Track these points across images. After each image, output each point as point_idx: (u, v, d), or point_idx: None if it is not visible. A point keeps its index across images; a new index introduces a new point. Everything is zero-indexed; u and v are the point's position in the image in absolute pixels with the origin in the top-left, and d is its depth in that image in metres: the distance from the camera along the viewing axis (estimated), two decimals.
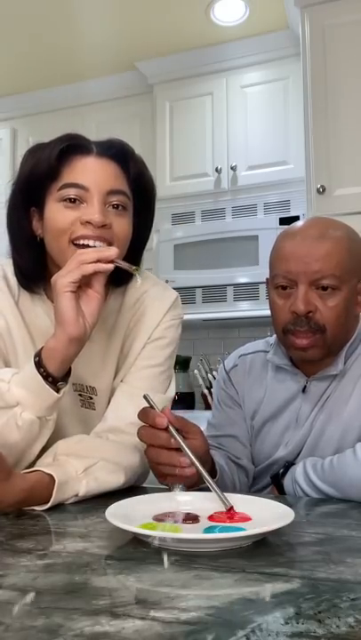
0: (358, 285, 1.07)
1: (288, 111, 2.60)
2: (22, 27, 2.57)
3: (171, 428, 0.83)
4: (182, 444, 0.81)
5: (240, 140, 2.66)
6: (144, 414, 0.85)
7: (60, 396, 0.89)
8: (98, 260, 0.87)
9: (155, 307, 1.09)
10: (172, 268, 2.65)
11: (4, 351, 1.01)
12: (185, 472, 0.82)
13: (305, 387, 1.11)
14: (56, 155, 0.94)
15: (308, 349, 1.04)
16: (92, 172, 0.94)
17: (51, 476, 0.84)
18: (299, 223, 1.11)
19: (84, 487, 0.88)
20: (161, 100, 2.83)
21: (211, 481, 0.77)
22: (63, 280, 0.87)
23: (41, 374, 0.87)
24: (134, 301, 1.08)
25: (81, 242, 0.93)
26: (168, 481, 0.87)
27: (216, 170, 2.67)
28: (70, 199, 0.93)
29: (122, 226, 0.96)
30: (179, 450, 0.82)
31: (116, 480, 0.93)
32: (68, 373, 0.92)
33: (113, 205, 0.95)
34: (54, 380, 0.89)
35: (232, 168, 2.64)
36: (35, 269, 1.01)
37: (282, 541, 0.68)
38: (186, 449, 0.81)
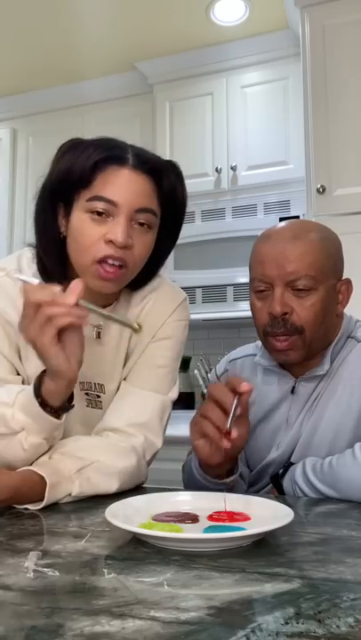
0: (338, 285, 1.08)
1: (288, 111, 2.59)
2: (22, 27, 2.57)
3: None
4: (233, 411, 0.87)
5: (240, 140, 2.66)
6: (218, 393, 0.89)
7: (62, 421, 0.90)
8: (68, 313, 0.81)
9: (161, 307, 1.09)
10: (172, 267, 2.64)
11: (16, 341, 1.02)
12: (222, 441, 0.87)
13: (293, 388, 1.11)
14: (91, 165, 0.93)
15: (288, 352, 1.04)
16: (123, 188, 0.93)
17: (40, 476, 0.85)
18: (274, 226, 1.12)
19: (76, 488, 0.88)
20: (161, 99, 2.83)
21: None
22: (42, 340, 0.81)
23: (46, 411, 0.87)
24: (141, 300, 1.08)
25: (103, 264, 0.94)
26: (198, 439, 0.93)
27: (216, 170, 2.67)
28: (98, 212, 0.93)
29: (143, 245, 0.96)
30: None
31: (108, 484, 0.93)
32: (70, 398, 0.91)
33: (139, 223, 0.95)
34: (57, 409, 0.89)
35: (232, 168, 2.64)
36: (58, 267, 1.00)
37: (282, 541, 0.68)
38: (231, 415, 0.87)
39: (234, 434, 0.87)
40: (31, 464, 0.91)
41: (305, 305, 1.03)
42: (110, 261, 0.93)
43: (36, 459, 0.93)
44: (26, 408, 0.88)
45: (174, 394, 1.10)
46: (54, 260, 1.00)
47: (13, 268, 1.03)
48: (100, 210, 0.92)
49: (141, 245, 0.96)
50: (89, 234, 0.93)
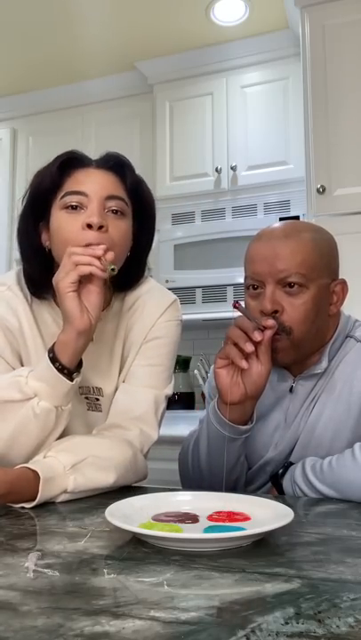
0: (331, 284, 1.08)
1: (288, 111, 2.59)
2: (22, 27, 2.57)
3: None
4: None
5: (240, 140, 2.66)
6: (243, 322, 0.99)
7: (74, 384, 0.95)
8: (90, 263, 0.93)
9: (151, 308, 1.12)
10: (172, 268, 2.64)
11: (17, 348, 1.07)
12: (242, 362, 0.98)
13: (292, 387, 1.12)
14: (57, 167, 1.02)
15: (276, 351, 1.04)
16: (91, 181, 1.01)
17: (34, 472, 0.86)
18: (268, 226, 1.13)
19: (72, 483, 0.89)
20: (161, 100, 2.83)
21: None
22: (64, 282, 0.93)
23: (56, 368, 0.93)
24: (132, 304, 1.12)
25: None
26: (221, 366, 1.01)
27: (216, 170, 2.67)
28: (72, 206, 0.99)
29: (119, 229, 1.01)
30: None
31: (105, 477, 0.94)
32: (79, 365, 0.97)
33: (112, 210, 1.01)
34: (68, 372, 0.94)
35: (232, 168, 2.64)
36: (43, 278, 1.05)
37: (282, 541, 0.68)
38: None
39: (249, 348, 0.97)
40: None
41: (296, 304, 1.03)
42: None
43: (37, 456, 0.94)
44: (40, 375, 0.94)
45: (169, 390, 1.12)
46: (38, 271, 1.05)
47: (13, 282, 1.09)
48: (74, 203, 0.99)
49: (117, 230, 1.01)
50: (68, 228, 0.99)
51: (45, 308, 1.08)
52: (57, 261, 1.01)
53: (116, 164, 1.04)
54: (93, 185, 1.00)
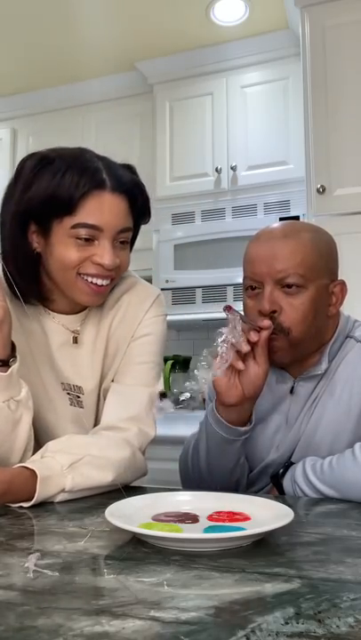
0: (330, 285, 1.08)
1: (288, 111, 2.59)
2: (22, 27, 2.57)
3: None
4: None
5: (240, 140, 2.66)
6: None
7: (9, 372, 0.92)
8: None
9: (136, 305, 1.11)
10: (172, 268, 2.64)
11: None
12: (238, 363, 0.99)
13: (292, 388, 1.11)
14: (79, 196, 0.94)
15: (274, 351, 1.04)
16: (105, 213, 0.96)
17: (32, 471, 0.85)
18: (267, 226, 1.12)
19: (69, 482, 0.89)
20: (161, 99, 2.83)
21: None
22: None
23: None
24: (114, 302, 1.11)
25: (89, 279, 0.98)
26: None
27: (216, 170, 2.67)
28: (83, 239, 0.96)
29: (125, 259, 1.02)
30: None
31: (103, 476, 0.94)
32: (14, 349, 0.95)
33: (120, 242, 1.00)
34: (3, 362, 0.92)
35: (232, 168, 2.64)
36: (27, 280, 1.01)
37: (282, 541, 0.68)
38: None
39: (245, 348, 0.97)
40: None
41: (294, 304, 1.03)
42: (99, 282, 0.98)
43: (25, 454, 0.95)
44: None
45: (161, 386, 1.12)
46: (28, 278, 1.01)
47: None
48: (86, 236, 0.96)
49: (122, 260, 1.01)
50: (75, 256, 0.97)
51: (30, 309, 1.06)
52: (47, 273, 1.01)
53: (129, 188, 1.00)
54: (108, 217, 0.96)
